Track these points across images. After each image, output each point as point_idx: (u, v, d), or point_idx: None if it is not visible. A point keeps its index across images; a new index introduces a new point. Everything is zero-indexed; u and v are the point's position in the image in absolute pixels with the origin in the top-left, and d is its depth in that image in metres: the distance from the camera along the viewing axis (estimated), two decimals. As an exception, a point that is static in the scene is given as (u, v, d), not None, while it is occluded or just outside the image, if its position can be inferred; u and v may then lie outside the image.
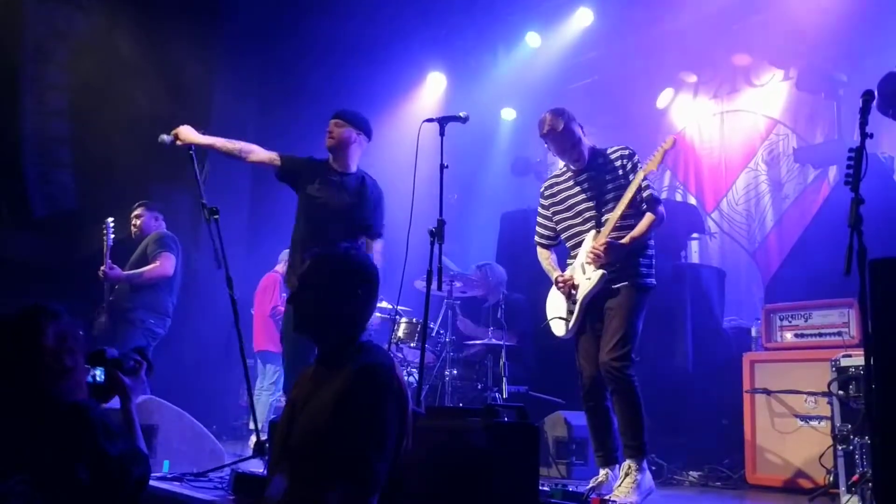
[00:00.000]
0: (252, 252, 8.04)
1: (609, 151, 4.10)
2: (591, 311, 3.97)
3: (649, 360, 4.90)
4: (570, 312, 4.01)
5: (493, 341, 5.76)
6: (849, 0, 6.28)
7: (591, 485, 3.81)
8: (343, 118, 4.65)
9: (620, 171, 4.00)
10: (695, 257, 7.21)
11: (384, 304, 6.07)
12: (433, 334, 5.98)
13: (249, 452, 4.62)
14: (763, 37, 7.02)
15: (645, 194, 3.93)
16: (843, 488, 3.84)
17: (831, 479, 4.09)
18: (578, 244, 4.06)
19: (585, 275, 3.96)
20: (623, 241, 3.89)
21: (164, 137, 4.65)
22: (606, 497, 3.67)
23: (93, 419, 2.33)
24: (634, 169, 3.96)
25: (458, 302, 6.23)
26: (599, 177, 4.04)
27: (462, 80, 8.69)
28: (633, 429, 3.77)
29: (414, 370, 5.85)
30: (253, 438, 4.83)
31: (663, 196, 6.87)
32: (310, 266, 2.52)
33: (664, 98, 7.79)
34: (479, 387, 5.83)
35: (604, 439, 3.96)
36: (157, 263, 5.87)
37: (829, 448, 4.11)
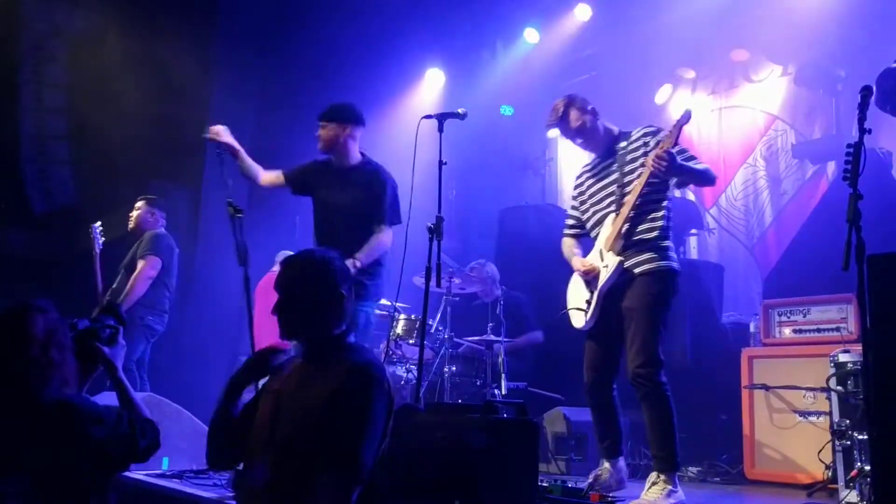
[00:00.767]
0: (251, 241, 8.02)
1: (633, 132, 3.98)
2: (610, 305, 3.82)
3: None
4: (588, 303, 3.87)
5: (492, 338, 5.76)
6: (847, -5, 6.29)
7: (590, 479, 3.79)
8: (325, 118, 4.63)
9: (643, 151, 3.85)
10: (693, 253, 7.21)
11: (383, 301, 6.07)
12: (432, 331, 5.99)
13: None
14: (761, 33, 7.01)
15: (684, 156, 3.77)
16: (841, 483, 3.85)
17: (830, 474, 4.10)
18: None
19: (603, 262, 3.83)
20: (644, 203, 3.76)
21: (206, 136, 4.70)
22: (605, 493, 3.67)
23: (80, 411, 2.35)
24: (658, 145, 3.77)
25: (458, 299, 6.23)
26: (623, 160, 3.90)
27: (461, 76, 8.69)
28: (661, 440, 3.60)
29: (413, 367, 5.86)
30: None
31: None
32: (289, 273, 2.56)
33: (663, 94, 7.78)
34: (479, 383, 5.84)
35: (606, 430, 3.87)
36: (140, 264, 5.98)
37: (827, 443, 4.12)
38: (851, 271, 2.55)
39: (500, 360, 5.65)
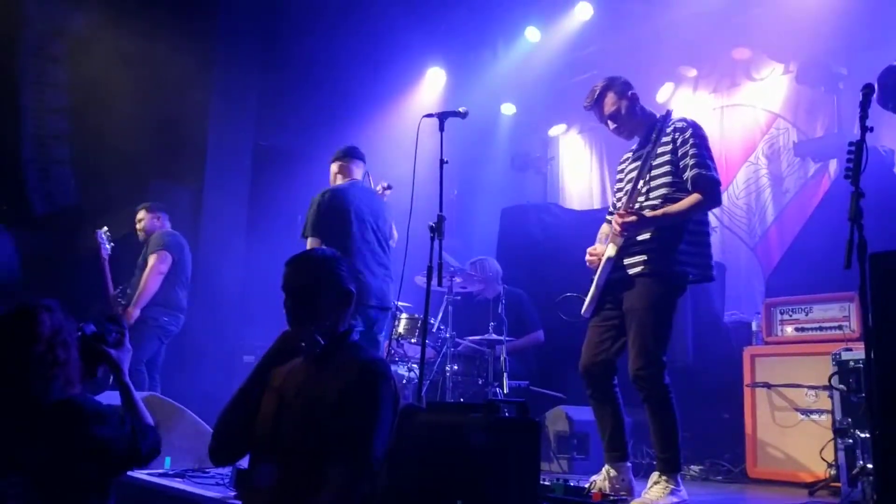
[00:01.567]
0: (252, 240, 8.03)
1: (670, 122, 3.80)
2: (611, 297, 3.75)
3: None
4: (591, 291, 3.80)
5: (494, 337, 5.76)
6: (848, -7, 6.28)
7: (591, 480, 3.78)
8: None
9: (670, 147, 3.70)
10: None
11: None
12: (434, 330, 5.98)
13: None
14: (763, 31, 7.00)
15: (689, 174, 3.62)
16: (843, 481, 3.85)
17: (832, 472, 4.10)
18: None
19: (606, 254, 3.76)
20: (647, 213, 3.59)
21: None
22: (608, 493, 3.65)
23: (84, 410, 2.35)
24: (685, 143, 3.65)
25: (459, 298, 6.22)
26: (653, 150, 3.74)
27: (462, 75, 8.69)
28: (663, 441, 3.54)
29: (414, 365, 5.86)
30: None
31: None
32: (299, 269, 2.58)
33: (664, 92, 7.78)
34: (480, 382, 5.83)
35: (605, 432, 3.79)
36: (150, 260, 6.00)
37: (829, 441, 4.11)
38: (853, 269, 2.54)
39: (501, 358, 5.65)
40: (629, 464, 3.79)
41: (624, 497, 3.65)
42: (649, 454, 4.83)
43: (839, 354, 4.03)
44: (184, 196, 8.20)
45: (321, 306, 2.54)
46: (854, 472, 3.73)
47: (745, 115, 7.50)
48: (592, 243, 4.00)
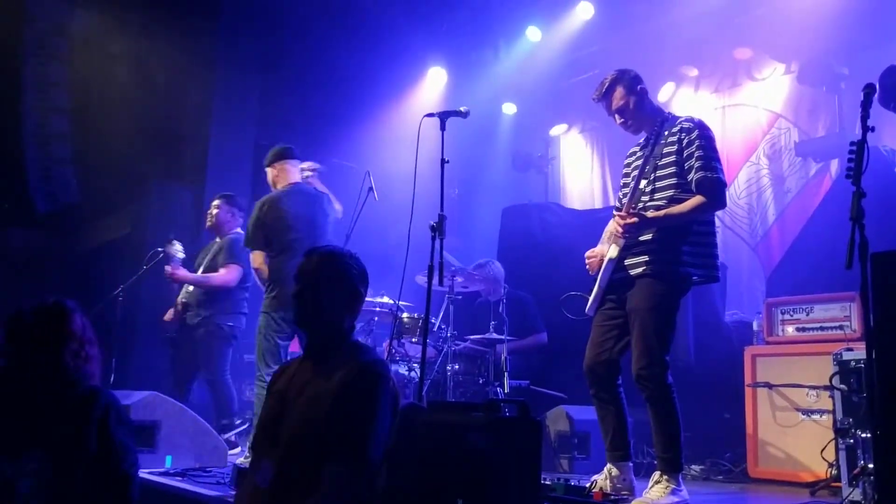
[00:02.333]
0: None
1: (677, 121, 3.76)
2: (614, 297, 3.74)
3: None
4: (593, 290, 3.80)
5: (496, 337, 5.76)
6: (850, -7, 6.27)
7: (592, 479, 3.77)
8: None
9: (676, 147, 3.67)
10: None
11: (385, 299, 6.07)
12: (434, 329, 5.98)
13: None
14: (764, 30, 7.00)
15: (693, 176, 3.59)
16: (844, 481, 3.84)
17: (833, 472, 4.09)
18: None
19: (608, 254, 3.75)
20: (649, 213, 3.57)
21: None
22: (609, 492, 3.65)
23: (108, 402, 2.54)
24: (691, 144, 3.62)
25: (460, 298, 6.22)
26: (659, 150, 3.71)
27: (463, 74, 8.69)
28: (665, 441, 3.52)
29: (415, 365, 5.86)
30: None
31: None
32: (315, 265, 2.57)
33: (665, 92, 7.78)
34: (481, 381, 5.83)
35: (608, 431, 3.78)
36: (222, 272, 5.87)
37: (830, 441, 4.10)
38: (855, 269, 2.54)
39: (502, 358, 5.65)
40: (631, 463, 3.79)
41: (625, 496, 3.64)
42: (650, 454, 4.83)
43: (840, 354, 4.03)
44: (185, 195, 8.21)
45: (330, 301, 2.56)
46: (855, 472, 3.72)
47: (747, 114, 7.50)
48: (594, 243, 3.99)
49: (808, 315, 4.88)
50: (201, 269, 6.05)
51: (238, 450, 5.34)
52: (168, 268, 5.88)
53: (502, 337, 5.69)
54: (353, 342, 2.62)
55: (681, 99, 7.84)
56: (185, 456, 4.49)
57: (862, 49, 6.32)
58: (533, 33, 8.10)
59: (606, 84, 3.87)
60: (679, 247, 3.62)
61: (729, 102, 7.66)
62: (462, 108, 4.22)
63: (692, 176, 3.61)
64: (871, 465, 3.57)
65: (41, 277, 8.50)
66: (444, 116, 4.18)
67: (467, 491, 2.80)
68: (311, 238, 4.97)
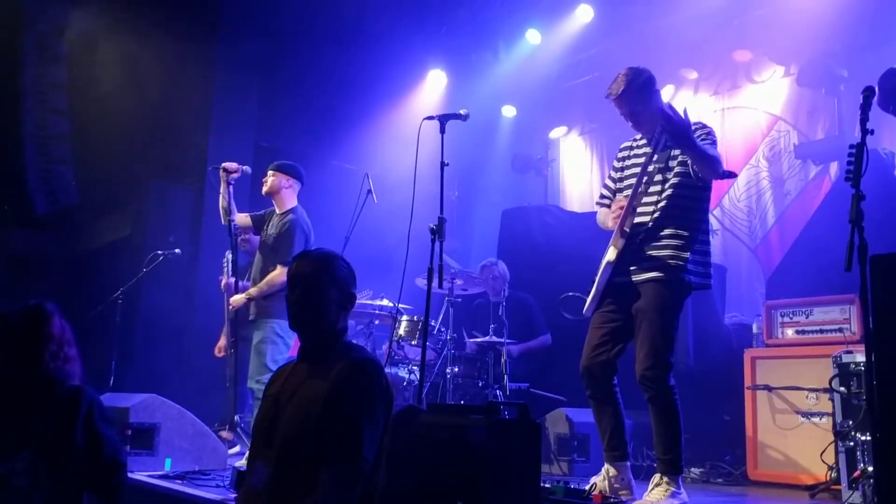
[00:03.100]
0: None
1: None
2: (613, 299, 3.76)
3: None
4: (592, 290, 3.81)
5: (495, 339, 5.76)
6: (849, -4, 6.28)
7: (591, 482, 3.77)
8: (277, 169, 5.25)
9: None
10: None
11: (385, 302, 6.07)
12: (434, 332, 5.98)
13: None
14: (763, 33, 7.00)
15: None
16: (844, 484, 3.85)
17: (833, 475, 4.10)
18: None
19: (607, 256, 3.77)
20: (675, 198, 3.61)
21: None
22: (608, 494, 3.65)
23: (91, 400, 2.61)
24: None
25: (460, 300, 6.23)
26: (664, 152, 3.71)
27: (463, 77, 8.69)
28: (666, 442, 3.55)
29: (415, 367, 5.86)
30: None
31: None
32: (308, 268, 2.60)
33: (665, 95, 7.71)
34: (481, 384, 5.84)
35: (605, 432, 3.78)
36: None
37: (830, 444, 4.11)
38: (854, 272, 2.54)
39: (502, 361, 5.65)
40: (629, 463, 3.79)
41: (624, 497, 3.65)
42: (650, 456, 4.84)
43: (840, 357, 4.03)
44: (185, 196, 8.21)
45: (325, 303, 2.57)
46: (855, 474, 3.73)
47: (746, 117, 7.50)
48: (593, 245, 4.03)
49: (807, 317, 4.88)
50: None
51: (237, 448, 5.34)
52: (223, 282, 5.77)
53: (502, 340, 5.69)
54: (345, 343, 2.63)
55: (680, 101, 7.84)
56: (184, 458, 4.48)
57: (861, 51, 6.32)
58: (532, 36, 8.10)
59: (622, 84, 3.84)
60: (686, 255, 3.64)
61: (728, 105, 7.66)
62: (462, 111, 4.23)
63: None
64: (870, 468, 3.57)
65: (41, 279, 8.51)
66: (443, 119, 4.19)
67: (467, 493, 2.80)
68: None
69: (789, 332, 4.95)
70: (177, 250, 6.48)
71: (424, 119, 4.21)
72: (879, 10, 6.12)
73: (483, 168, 9.27)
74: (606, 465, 3.76)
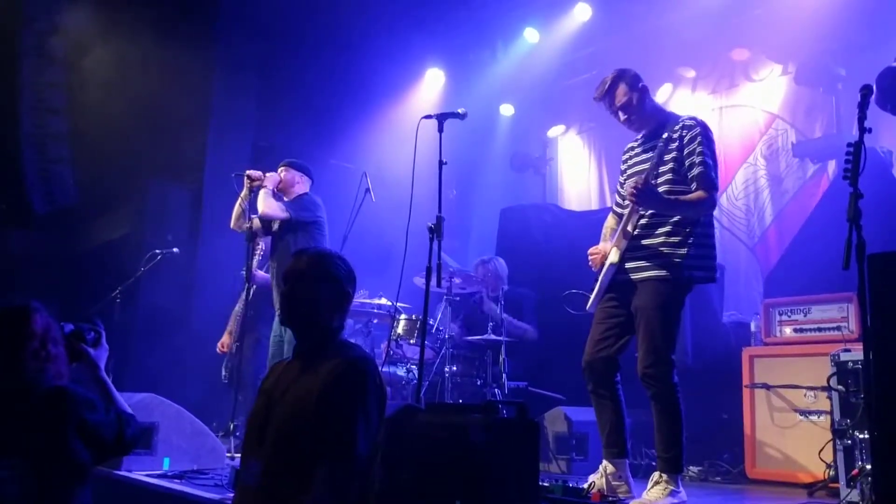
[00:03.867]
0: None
1: (680, 120, 3.79)
2: (616, 295, 3.76)
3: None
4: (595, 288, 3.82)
5: (492, 337, 5.76)
6: (847, -6, 6.28)
7: (590, 480, 3.77)
8: (289, 165, 5.43)
9: (677, 143, 3.69)
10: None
11: (383, 301, 6.07)
12: (433, 331, 5.99)
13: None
14: (761, 31, 7.01)
15: (694, 172, 3.62)
16: (842, 482, 3.85)
17: (831, 473, 4.10)
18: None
19: (610, 257, 3.77)
20: (667, 195, 3.61)
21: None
22: (606, 493, 3.65)
23: (75, 397, 2.50)
24: (692, 141, 3.65)
25: (458, 299, 6.23)
26: (661, 146, 3.71)
27: (461, 76, 8.69)
28: (667, 440, 3.56)
29: (413, 367, 5.86)
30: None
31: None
32: (304, 264, 2.59)
33: (663, 93, 7.78)
34: (479, 383, 5.84)
35: (604, 427, 3.77)
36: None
37: (828, 442, 4.11)
38: (852, 270, 2.54)
39: (500, 359, 5.65)
40: (627, 461, 3.79)
41: (622, 494, 3.65)
42: (649, 455, 4.84)
43: (838, 355, 4.03)
44: (183, 196, 8.20)
45: (317, 301, 2.56)
46: (853, 472, 3.73)
47: (744, 115, 7.50)
48: (592, 243, 4.00)
49: (805, 316, 4.89)
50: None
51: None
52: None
53: (499, 338, 5.69)
54: (340, 341, 2.62)
55: (678, 100, 7.84)
56: (182, 458, 4.47)
57: (859, 50, 6.32)
58: (531, 34, 8.11)
59: (608, 82, 3.89)
60: (684, 250, 3.64)
61: (726, 103, 7.67)
62: (460, 110, 4.23)
63: (693, 172, 3.64)
64: (868, 466, 3.57)
65: (39, 278, 8.49)
66: (441, 118, 4.19)
67: (466, 493, 2.80)
68: None
69: (787, 330, 4.96)
70: (175, 249, 6.50)
71: (423, 118, 4.20)
72: (878, 9, 6.13)
73: (481, 167, 9.27)
74: (604, 462, 3.76)
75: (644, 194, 3.58)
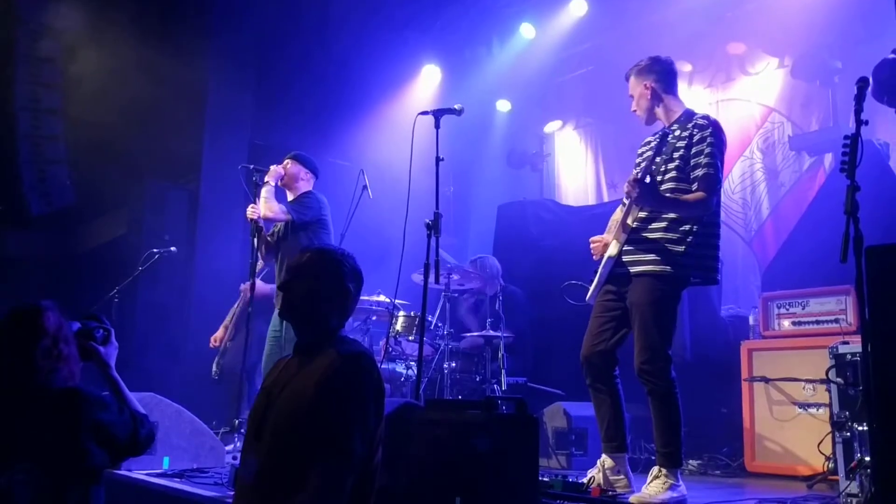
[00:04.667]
0: (249, 239, 8.03)
1: (693, 118, 3.80)
2: (614, 289, 3.77)
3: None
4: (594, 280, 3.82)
5: (490, 333, 5.76)
6: (843, -13, 6.28)
7: (589, 475, 3.77)
8: (295, 158, 5.40)
9: (686, 141, 3.69)
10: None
11: (382, 298, 6.07)
12: (431, 327, 5.99)
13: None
14: (757, 25, 7.00)
15: (698, 173, 3.63)
16: (841, 475, 3.85)
17: (830, 465, 4.10)
18: None
19: (609, 249, 3.78)
20: (670, 193, 3.62)
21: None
22: (605, 488, 3.65)
23: (89, 398, 2.48)
24: (702, 140, 3.64)
25: (458, 296, 6.22)
26: (673, 142, 3.71)
27: (457, 72, 8.68)
28: (665, 435, 3.55)
29: (412, 363, 5.86)
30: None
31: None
32: (306, 258, 2.59)
33: (660, 88, 7.78)
34: (478, 379, 5.84)
35: (603, 421, 3.78)
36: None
37: (827, 435, 4.12)
38: (850, 263, 2.55)
39: (499, 355, 5.66)
40: (626, 455, 3.80)
41: (620, 488, 3.65)
42: (648, 449, 4.84)
43: (836, 348, 4.04)
44: (181, 195, 8.20)
45: (314, 295, 2.54)
46: (852, 465, 3.74)
47: (741, 109, 7.50)
48: (589, 238, 4.00)
49: (803, 309, 4.90)
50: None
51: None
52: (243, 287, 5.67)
53: (498, 334, 5.70)
54: (339, 337, 2.59)
55: (675, 94, 7.84)
56: (182, 457, 4.48)
57: (855, 43, 6.33)
58: (527, 30, 8.09)
59: (642, 65, 3.96)
60: (681, 248, 3.63)
61: (722, 97, 7.66)
62: (456, 106, 4.23)
63: (697, 172, 3.63)
64: (867, 459, 3.58)
65: (37, 280, 8.48)
66: (438, 114, 4.19)
67: (466, 488, 2.81)
68: None
69: (786, 323, 4.97)
70: (172, 248, 6.49)
71: (419, 114, 4.20)
72: (873, 2, 6.12)
73: (478, 163, 9.27)
74: (603, 456, 3.77)
75: (640, 190, 3.59)
